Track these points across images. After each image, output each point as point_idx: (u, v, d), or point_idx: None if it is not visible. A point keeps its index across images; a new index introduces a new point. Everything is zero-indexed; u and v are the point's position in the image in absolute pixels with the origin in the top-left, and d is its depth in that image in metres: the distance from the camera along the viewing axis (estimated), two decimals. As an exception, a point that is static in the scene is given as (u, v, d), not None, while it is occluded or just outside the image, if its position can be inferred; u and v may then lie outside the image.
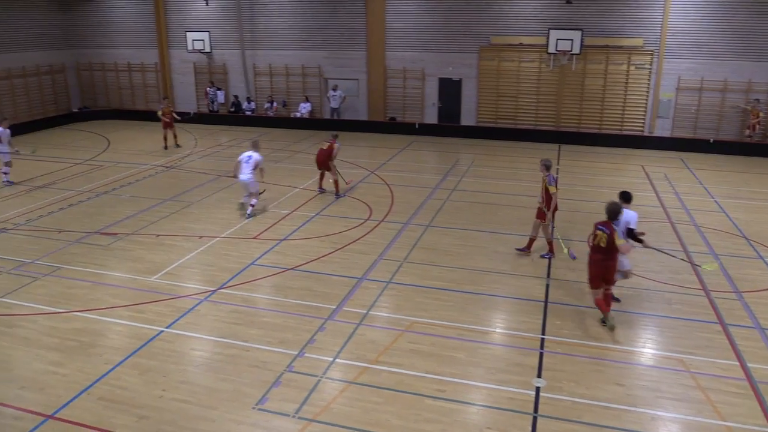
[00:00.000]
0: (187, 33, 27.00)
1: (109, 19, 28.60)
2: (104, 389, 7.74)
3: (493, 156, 20.75)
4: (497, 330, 9.25)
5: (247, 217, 14.16)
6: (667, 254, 10.68)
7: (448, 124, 24.53)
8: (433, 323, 9.30)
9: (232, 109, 27.52)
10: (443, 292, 10.38)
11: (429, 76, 24.59)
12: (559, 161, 19.85)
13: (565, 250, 11.18)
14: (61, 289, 10.66)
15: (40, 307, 10.00)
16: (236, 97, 27.48)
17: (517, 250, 12.14)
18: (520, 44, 22.97)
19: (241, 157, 14.45)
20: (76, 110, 28.99)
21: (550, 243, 11.82)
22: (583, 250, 10.38)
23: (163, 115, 21.82)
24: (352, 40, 25.17)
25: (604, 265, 8.87)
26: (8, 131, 17.33)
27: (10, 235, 13.41)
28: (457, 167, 19.16)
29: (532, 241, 11.99)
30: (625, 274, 9.75)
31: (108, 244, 12.81)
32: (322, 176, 16.36)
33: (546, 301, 10.06)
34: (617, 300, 9.77)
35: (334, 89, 25.23)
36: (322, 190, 16.36)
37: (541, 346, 8.68)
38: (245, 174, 14.12)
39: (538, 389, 7.66)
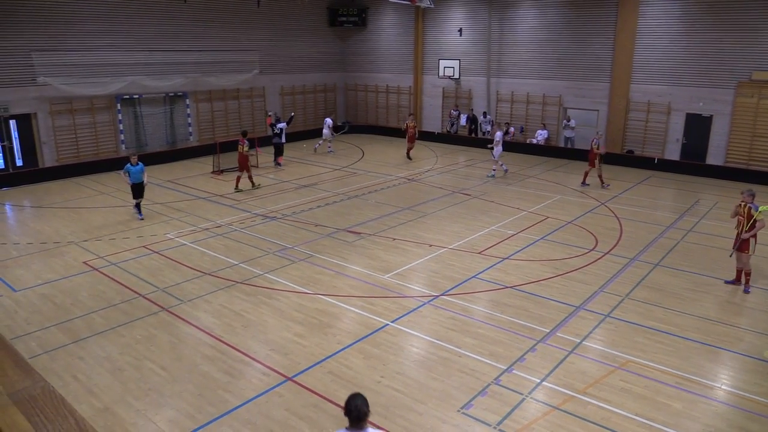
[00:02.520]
0: (440, 60, 28.30)
1: (376, 47, 31.17)
2: (334, 365, 8.44)
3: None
4: (722, 386, 8.07)
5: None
6: None
7: (692, 162, 22.14)
8: (650, 366, 8.48)
9: (473, 127, 28.07)
10: (665, 336, 9.40)
11: (675, 111, 22.50)
12: (824, 213, 16.72)
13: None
14: (310, 274, 11.88)
15: (293, 285, 11.26)
16: (471, 119, 28.03)
17: (726, 282, 11.55)
18: (789, 81, 19.91)
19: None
20: (339, 124, 32.06)
21: (748, 274, 11.29)
22: None
23: (406, 129, 23.90)
24: (596, 71, 24.11)
25: None
26: (331, 120, 25.49)
27: (279, 223, 15.31)
28: (696, 208, 17.21)
29: (740, 273, 11.37)
30: None
31: (352, 241, 13.94)
32: (588, 174, 19.65)
33: (789, 367, 8.56)
34: None
35: (568, 120, 24.51)
36: (585, 185, 19.63)
37: (777, 415, 7.42)
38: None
39: (767, 461, 6.57)
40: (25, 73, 19.86)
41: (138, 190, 15.52)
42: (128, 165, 15.40)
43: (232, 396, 7.69)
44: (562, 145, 25.25)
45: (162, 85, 23.51)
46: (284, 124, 23.16)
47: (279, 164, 22.76)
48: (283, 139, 22.96)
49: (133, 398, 7.64)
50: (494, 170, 21.02)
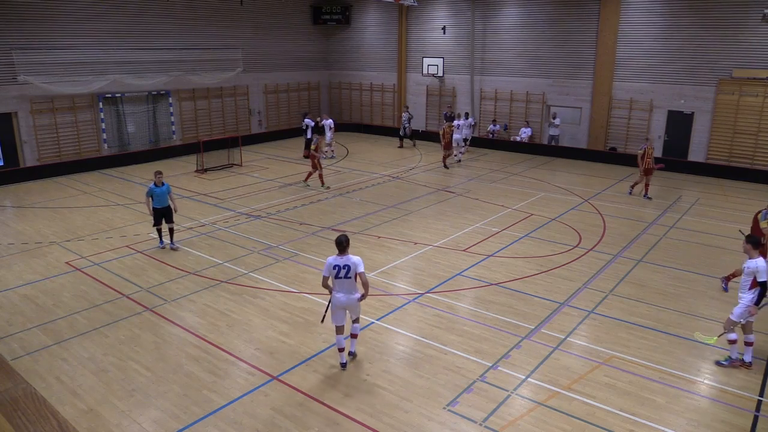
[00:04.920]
0: (424, 58, 28.32)
1: (360, 45, 31.11)
2: (319, 363, 8.42)
3: (722, 196, 18.51)
4: (705, 381, 8.19)
5: None
6: None
7: (674, 159, 22.39)
8: (633, 361, 8.58)
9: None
10: (649, 331, 9.51)
11: (657, 108, 22.75)
12: (803, 209, 17.00)
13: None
14: (296, 272, 11.85)
15: (278, 284, 11.22)
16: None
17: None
18: (768, 79, 20.20)
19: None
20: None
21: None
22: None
23: (443, 135, 21.92)
24: (579, 69, 24.29)
25: None
26: (331, 121, 24.13)
27: (263, 222, 15.25)
28: (678, 204, 17.42)
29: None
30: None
31: (337, 239, 13.90)
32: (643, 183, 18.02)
33: (769, 361, 8.69)
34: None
35: (553, 117, 24.60)
36: (634, 193, 18.40)
37: (757, 409, 7.52)
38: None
39: (748, 453, 6.67)
40: (5, 72, 19.55)
41: (165, 214, 12.89)
42: (152, 186, 12.67)
43: (218, 396, 7.64)
44: (546, 143, 25.40)
45: (144, 83, 23.26)
46: (310, 121, 23.54)
47: (307, 157, 23.51)
48: (309, 134, 23.52)
49: (117, 399, 7.57)
50: (459, 153, 22.88)
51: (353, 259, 7.87)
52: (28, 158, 20.52)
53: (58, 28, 20.64)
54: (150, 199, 12.74)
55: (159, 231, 13.18)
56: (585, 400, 7.60)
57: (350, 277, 7.87)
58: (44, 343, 9.01)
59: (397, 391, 7.76)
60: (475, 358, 8.57)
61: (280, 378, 8.06)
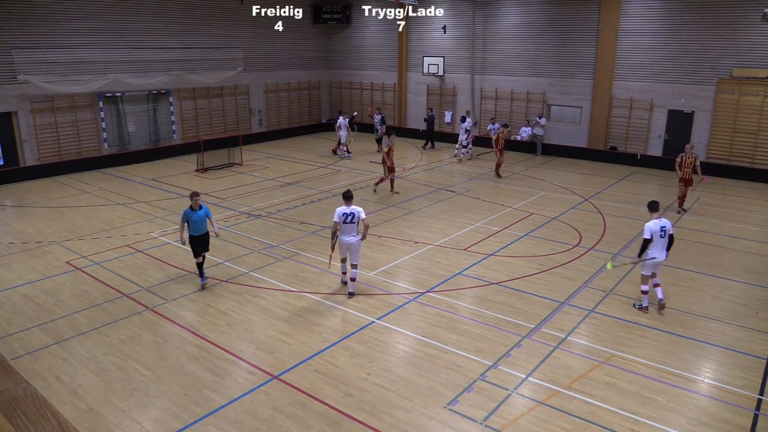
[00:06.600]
0: (424, 57, 28.27)
1: (361, 44, 31.06)
2: (320, 363, 8.42)
3: (722, 195, 18.49)
4: (705, 380, 8.18)
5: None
6: None
7: (674, 158, 22.26)
8: (634, 360, 8.57)
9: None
10: (649, 330, 9.50)
11: (657, 107, 22.72)
12: (803, 208, 17.00)
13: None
14: (296, 272, 11.84)
15: (279, 284, 11.22)
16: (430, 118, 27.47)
17: None
18: (768, 78, 20.17)
19: None
20: (324, 121, 31.97)
21: None
22: None
23: (497, 140, 20.53)
24: (579, 68, 24.26)
25: None
26: (345, 120, 24.12)
27: (264, 221, 15.24)
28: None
29: None
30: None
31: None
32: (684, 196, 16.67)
33: (770, 360, 8.68)
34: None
35: (540, 116, 24.53)
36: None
37: (758, 407, 7.52)
38: None
39: (748, 452, 6.66)
40: (5, 71, 19.53)
41: (203, 243, 10.95)
42: (187, 211, 10.68)
43: (218, 395, 7.64)
44: (538, 143, 25.28)
45: (145, 82, 23.23)
46: (343, 120, 24.08)
47: (335, 153, 24.57)
48: (342, 134, 24.17)
49: (118, 399, 7.57)
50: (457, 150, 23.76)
51: (357, 208, 10.37)
52: (28, 157, 20.51)
53: (58, 28, 20.61)
54: (185, 225, 10.78)
55: (200, 266, 11.06)
56: (585, 399, 7.59)
57: (354, 222, 10.35)
58: (44, 343, 9.01)
59: (398, 391, 7.76)
60: (475, 357, 8.57)
61: (280, 377, 8.06)
